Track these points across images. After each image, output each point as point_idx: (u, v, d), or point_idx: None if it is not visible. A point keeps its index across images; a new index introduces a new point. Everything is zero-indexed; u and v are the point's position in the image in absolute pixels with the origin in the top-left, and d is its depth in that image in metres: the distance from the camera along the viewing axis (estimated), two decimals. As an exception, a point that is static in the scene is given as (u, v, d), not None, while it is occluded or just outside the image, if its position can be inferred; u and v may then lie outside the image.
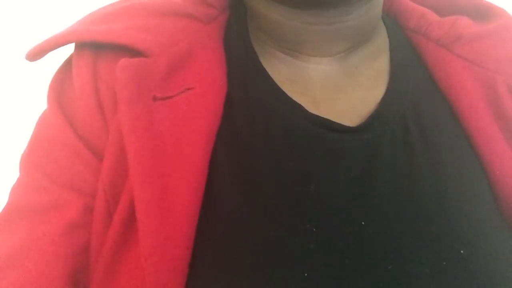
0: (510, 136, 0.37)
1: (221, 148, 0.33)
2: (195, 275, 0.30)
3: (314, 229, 0.31)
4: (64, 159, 0.34)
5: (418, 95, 0.38)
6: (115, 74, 0.32)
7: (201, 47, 0.37)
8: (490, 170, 0.36)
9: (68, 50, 0.37)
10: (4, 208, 0.34)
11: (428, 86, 0.40)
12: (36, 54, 0.36)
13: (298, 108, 0.35)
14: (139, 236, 0.30)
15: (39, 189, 0.33)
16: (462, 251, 0.32)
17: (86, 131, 0.34)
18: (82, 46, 0.36)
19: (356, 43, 0.38)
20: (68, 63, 0.37)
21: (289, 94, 0.36)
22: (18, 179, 0.35)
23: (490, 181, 0.36)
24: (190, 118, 0.33)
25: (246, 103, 0.35)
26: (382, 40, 0.41)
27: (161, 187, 0.31)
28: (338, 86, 0.37)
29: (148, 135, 0.31)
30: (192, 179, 0.31)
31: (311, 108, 0.35)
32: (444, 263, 0.31)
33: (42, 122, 0.37)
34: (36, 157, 0.35)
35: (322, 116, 0.35)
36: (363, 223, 0.32)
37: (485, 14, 0.42)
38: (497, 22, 0.41)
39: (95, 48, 0.36)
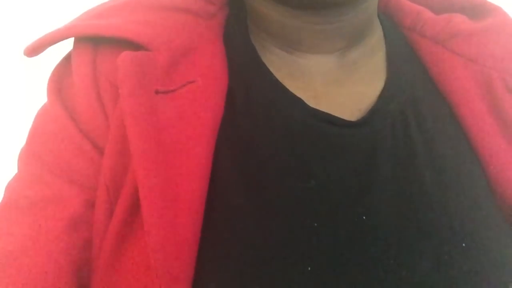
0: (506, 131, 0.37)
1: (224, 142, 0.33)
2: (203, 268, 0.30)
3: (316, 224, 0.31)
4: (64, 152, 0.33)
5: (415, 91, 0.39)
6: (115, 68, 0.32)
7: (201, 42, 0.37)
8: (486, 164, 0.36)
9: (67, 46, 0.37)
10: (1, 202, 0.33)
11: (425, 82, 0.40)
12: (35, 49, 0.35)
13: (298, 103, 0.35)
14: (144, 229, 0.29)
15: (39, 182, 0.33)
16: (463, 244, 0.32)
17: (86, 125, 0.34)
18: (81, 41, 0.36)
19: (353, 41, 0.39)
20: (68, 58, 0.37)
21: (290, 89, 0.36)
22: (17, 174, 0.35)
23: (486, 175, 0.36)
24: (193, 112, 0.33)
25: (247, 97, 0.35)
26: (378, 38, 0.41)
27: (165, 180, 0.30)
28: (337, 81, 0.38)
29: (151, 128, 0.31)
30: (196, 172, 0.31)
31: (312, 103, 0.35)
32: (446, 256, 0.31)
33: (42, 116, 0.36)
34: (36, 150, 0.34)
35: (322, 110, 0.35)
36: (364, 217, 0.32)
37: (480, 11, 0.43)
38: (493, 19, 0.41)
39: (94, 42, 0.35)
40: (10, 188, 0.34)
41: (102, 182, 0.33)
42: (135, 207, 0.31)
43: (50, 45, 0.35)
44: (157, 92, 0.33)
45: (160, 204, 0.30)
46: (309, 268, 0.30)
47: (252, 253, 0.30)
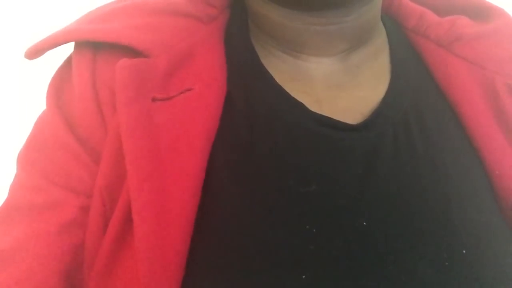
0: (510, 135, 0.37)
1: (220, 150, 0.33)
2: (191, 278, 0.30)
3: (314, 230, 0.31)
4: (60, 159, 0.34)
5: (418, 94, 0.38)
6: (114, 74, 0.32)
7: (201, 47, 0.37)
8: (490, 170, 0.36)
9: (67, 47, 0.37)
10: (3, 205, 0.34)
11: (429, 85, 0.40)
12: (35, 52, 0.35)
13: (300, 107, 0.35)
14: (134, 239, 0.29)
15: (35, 188, 0.33)
16: (464, 251, 0.32)
17: (84, 131, 0.34)
18: (82, 45, 0.35)
19: (355, 43, 0.38)
20: (68, 62, 0.37)
21: (291, 93, 0.35)
22: (16, 176, 0.35)
23: (490, 181, 0.36)
24: (189, 120, 0.33)
25: (247, 102, 0.35)
26: (381, 40, 0.41)
27: (158, 189, 0.30)
28: (340, 85, 0.37)
29: (146, 137, 0.31)
30: (189, 182, 0.31)
31: (313, 107, 0.35)
32: (447, 263, 0.31)
33: (40, 122, 0.36)
34: (33, 156, 0.34)
35: (324, 114, 0.35)
36: (364, 223, 0.31)
37: (484, 13, 0.42)
38: (497, 22, 0.41)
39: (94, 47, 0.35)
40: (12, 190, 0.35)
41: (97, 190, 0.33)
42: (129, 218, 0.31)
43: (50, 49, 0.35)
44: (154, 99, 0.33)
45: (151, 216, 0.30)
46: (304, 276, 0.29)
47: (245, 261, 0.30)
